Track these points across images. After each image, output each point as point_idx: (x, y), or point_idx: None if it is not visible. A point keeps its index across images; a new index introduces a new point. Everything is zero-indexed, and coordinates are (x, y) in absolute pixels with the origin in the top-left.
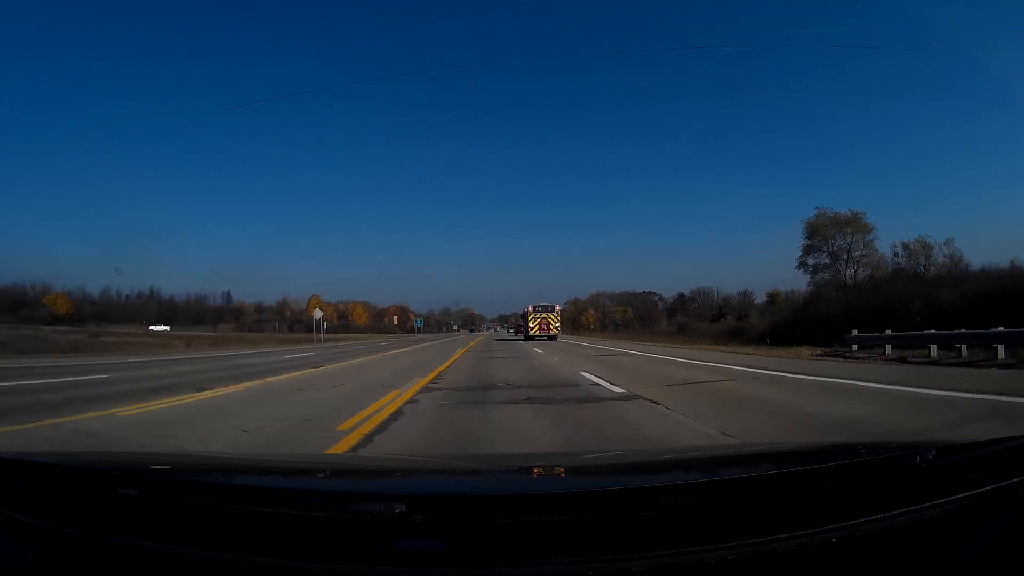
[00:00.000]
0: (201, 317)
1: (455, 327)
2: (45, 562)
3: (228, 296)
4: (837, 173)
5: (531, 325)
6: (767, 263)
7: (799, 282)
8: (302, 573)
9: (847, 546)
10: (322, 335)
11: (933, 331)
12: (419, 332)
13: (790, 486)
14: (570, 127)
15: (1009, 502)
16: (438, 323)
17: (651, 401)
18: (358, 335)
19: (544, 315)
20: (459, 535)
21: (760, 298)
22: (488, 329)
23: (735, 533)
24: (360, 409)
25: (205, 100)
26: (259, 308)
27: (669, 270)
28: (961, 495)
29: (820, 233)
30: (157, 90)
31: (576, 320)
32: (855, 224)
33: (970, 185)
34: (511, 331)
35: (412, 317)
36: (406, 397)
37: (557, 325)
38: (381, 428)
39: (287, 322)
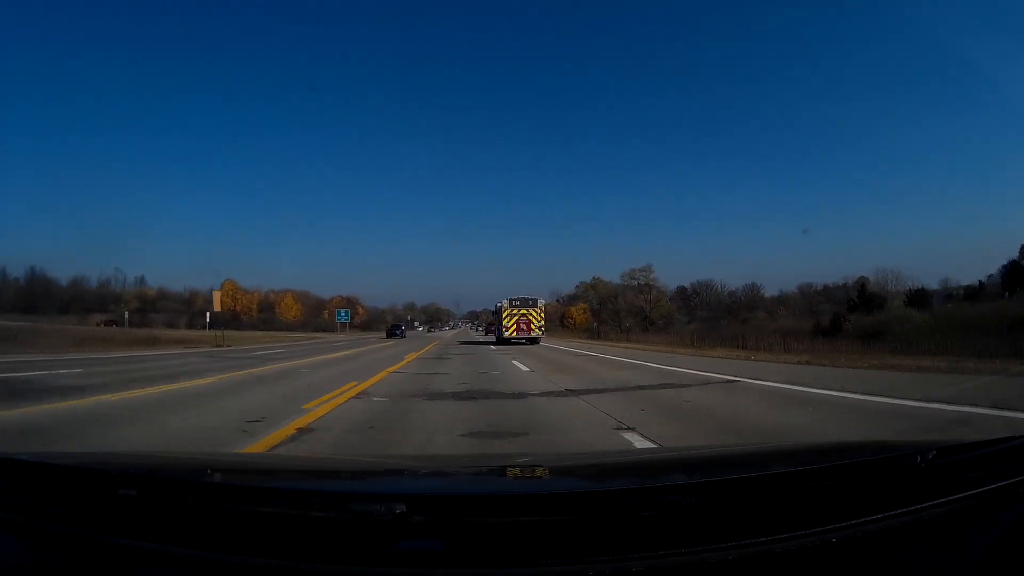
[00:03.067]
0: (68, 306)
1: (416, 324)
2: (45, 562)
3: (141, 280)
4: (810, 171)
5: (506, 324)
6: (754, 260)
7: (815, 275)
8: (302, 573)
9: (847, 546)
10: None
11: None
12: (343, 330)
13: (790, 486)
14: (545, 121)
15: (1009, 502)
16: (397, 318)
17: None
18: (262, 334)
19: (523, 311)
20: (460, 535)
21: (770, 291)
22: (453, 327)
23: (735, 533)
24: None
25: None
26: (163, 295)
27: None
28: (961, 495)
29: None
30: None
31: (565, 319)
32: None
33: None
34: (480, 330)
35: (361, 310)
36: None
37: (540, 324)
38: None
39: (188, 313)
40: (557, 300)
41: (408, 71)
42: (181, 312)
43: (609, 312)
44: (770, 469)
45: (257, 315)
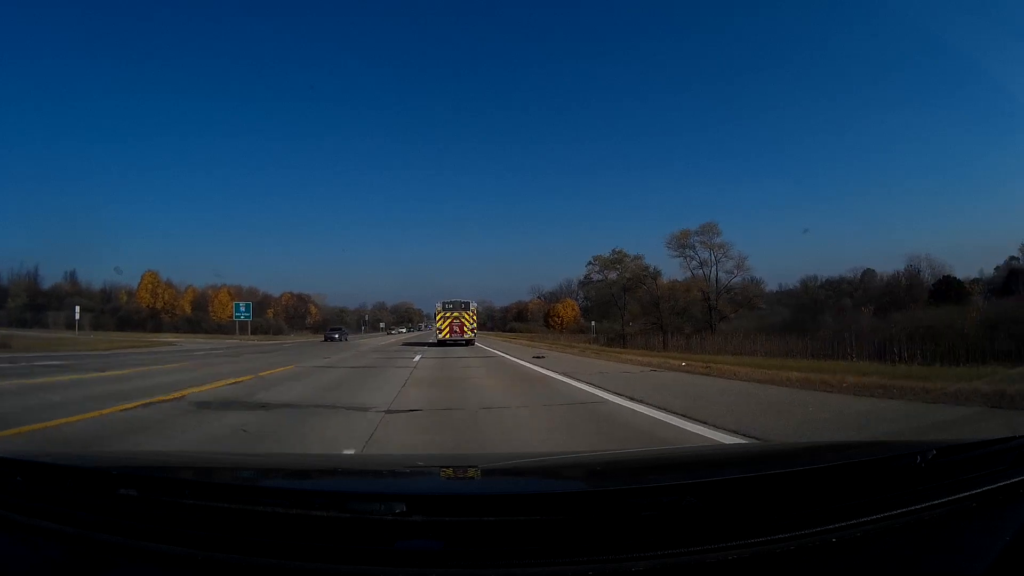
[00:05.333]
0: None
1: (382, 326)
2: (45, 562)
3: (72, 275)
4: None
5: (440, 327)
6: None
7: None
8: (302, 573)
9: (847, 546)
10: None
11: None
12: (243, 331)
13: (790, 486)
14: (527, 119)
15: (1010, 502)
16: (363, 320)
17: None
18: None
19: (456, 314)
20: (459, 535)
21: (771, 285)
22: (426, 327)
23: (735, 533)
24: None
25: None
26: (76, 291)
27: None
28: (961, 495)
29: None
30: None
31: (549, 317)
32: None
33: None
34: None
35: (314, 310)
36: None
37: (473, 326)
38: None
39: (98, 311)
40: (539, 297)
41: (402, 72)
42: (90, 309)
43: (644, 303)
44: (770, 469)
45: (190, 313)
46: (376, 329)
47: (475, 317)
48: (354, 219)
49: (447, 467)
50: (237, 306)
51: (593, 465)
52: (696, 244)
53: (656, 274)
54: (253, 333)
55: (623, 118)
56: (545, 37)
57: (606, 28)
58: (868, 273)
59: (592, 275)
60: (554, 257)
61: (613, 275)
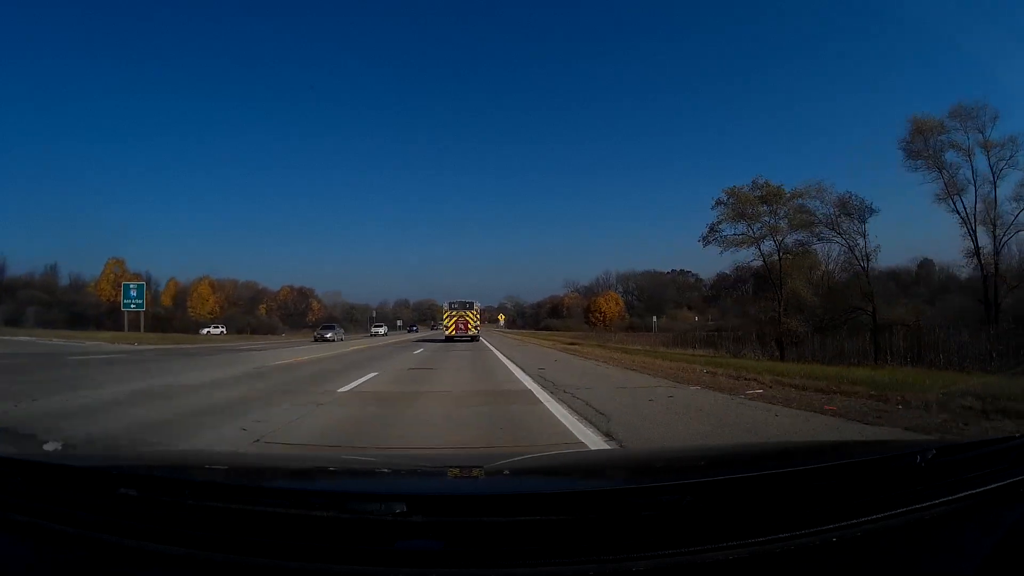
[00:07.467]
0: None
1: (399, 324)
2: (45, 562)
3: (53, 269)
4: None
5: (447, 324)
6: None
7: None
8: (302, 573)
9: (847, 546)
10: None
11: None
12: (133, 325)
13: (790, 486)
14: (546, 114)
15: (1010, 502)
16: (370, 318)
17: None
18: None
19: (461, 313)
20: (459, 535)
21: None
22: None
23: (735, 533)
24: None
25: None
26: (44, 285)
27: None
28: (961, 494)
29: None
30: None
31: (590, 312)
32: None
33: None
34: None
35: (316, 306)
36: None
37: (476, 324)
38: None
39: (38, 306)
40: (575, 291)
41: (402, 72)
42: (36, 302)
43: (816, 280)
44: (769, 468)
45: (170, 305)
46: (393, 328)
47: (479, 315)
48: (361, 219)
49: (447, 467)
50: (126, 288)
51: (593, 465)
52: (948, 146)
53: (868, 210)
54: (239, 332)
55: (661, 115)
56: (545, 37)
57: (606, 28)
58: (926, 264)
59: (721, 224)
60: (582, 253)
61: (757, 226)
